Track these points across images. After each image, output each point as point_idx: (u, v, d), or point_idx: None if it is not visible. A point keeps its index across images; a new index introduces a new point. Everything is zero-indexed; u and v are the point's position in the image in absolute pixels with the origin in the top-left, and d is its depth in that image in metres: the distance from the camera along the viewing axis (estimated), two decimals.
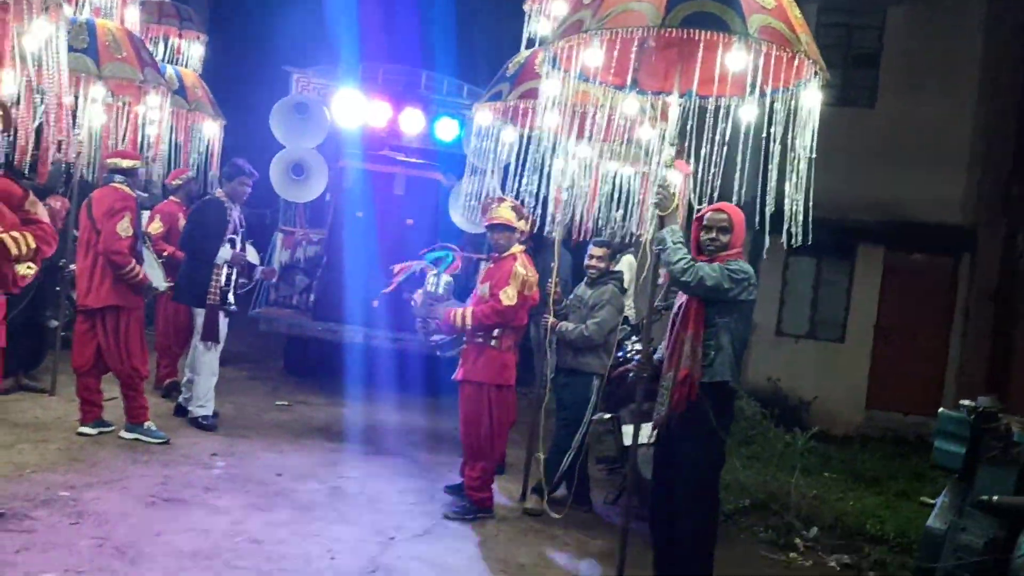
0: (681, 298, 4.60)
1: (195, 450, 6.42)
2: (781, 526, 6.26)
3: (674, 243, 4.41)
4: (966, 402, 4.45)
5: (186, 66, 9.30)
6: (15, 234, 4.33)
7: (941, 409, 4.55)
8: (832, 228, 10.94)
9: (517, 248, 5.88)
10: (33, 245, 4.39)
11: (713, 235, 4.49)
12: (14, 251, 4.30)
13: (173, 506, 5.16)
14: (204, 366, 7.09)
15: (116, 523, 4.72)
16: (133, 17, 7.52)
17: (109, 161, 6.48)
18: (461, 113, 9.79)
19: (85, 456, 5.89)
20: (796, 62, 4.17)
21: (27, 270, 4.45)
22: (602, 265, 6.23)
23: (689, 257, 4.40)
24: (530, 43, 6.66)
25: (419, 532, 5.31)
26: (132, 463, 5.86)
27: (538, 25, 6.65)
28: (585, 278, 6.33)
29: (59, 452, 5.89)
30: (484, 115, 6.40)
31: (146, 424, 6.48)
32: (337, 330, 9.06)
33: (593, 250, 6.26)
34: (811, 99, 4.34)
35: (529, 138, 5.84)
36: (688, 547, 4.51)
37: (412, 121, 9.80)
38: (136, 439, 6.36)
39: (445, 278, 6.02)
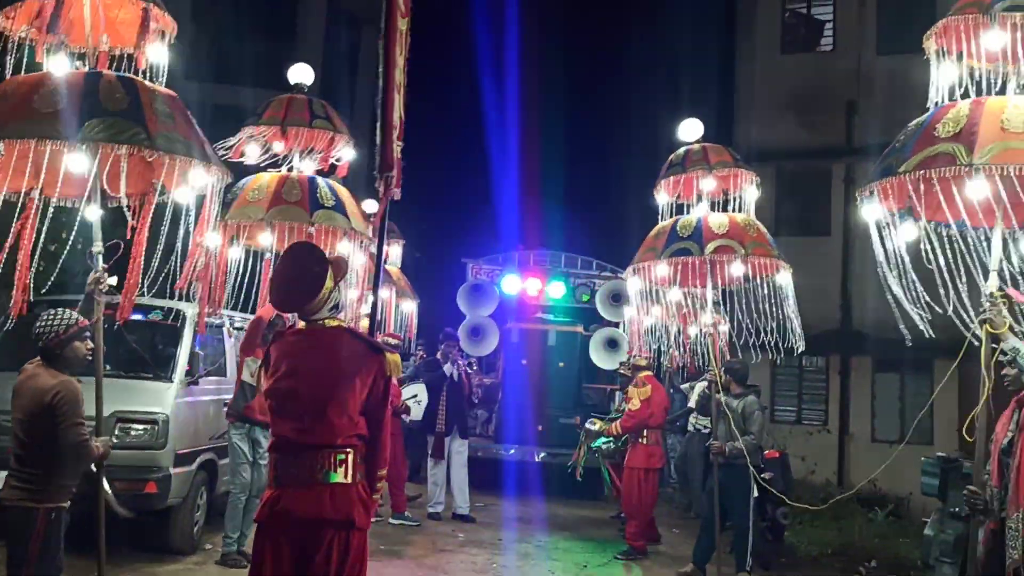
0: (1001, 428, 4.71)
1: (440, 530, 9.52)
2: (850, 562, 8.86)
3: None
4: (941, 453, 7.19)
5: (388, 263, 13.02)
6: None
7: (923, 457, 7.28)
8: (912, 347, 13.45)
9: (643, 375, 8.97)
10: None
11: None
12: None
13: (448, 553, 8.28)
14: (434, 476, 10.25)
15: (422, 559, 7.86)
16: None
17: (382, 339, 9.95)
18: (592, 281, 13.19)
19: (376, 531, 9.07)
20: None
21: None
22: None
23: None
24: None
25: (603, 563, 8.27)
26: (409, 534, 9.03)
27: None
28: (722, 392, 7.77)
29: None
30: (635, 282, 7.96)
31: (406, 512, 9.65)
32: (514, 449, 12.20)
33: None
34: None
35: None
36: None
37: (557, 290, 13.24)
38: (401, 523, 9.50)
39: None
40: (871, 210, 4.95)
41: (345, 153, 7.60)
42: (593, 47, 19.21)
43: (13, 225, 4.60)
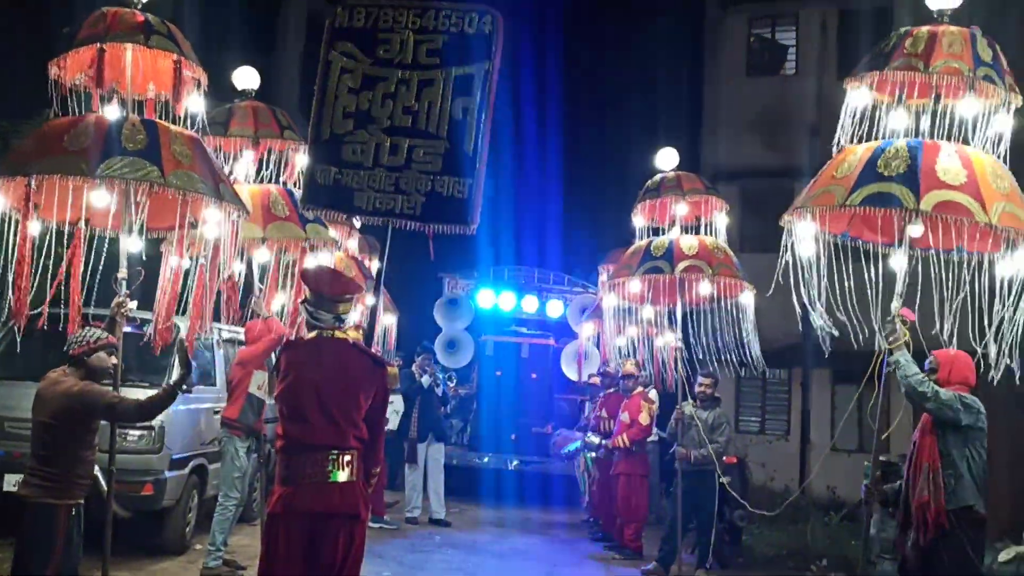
0: (915, 434, 5.27)
1: (418, 532, 10.01)
2: (803, 561, 9.45)
3: (906, 361, 5.01)
4: (882, 458, 7.79)
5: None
6: None
7: (865, 462, 7.86)
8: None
9: (640, 388, 9.49)
10: None
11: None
12: None
13: (426, 554, 8.76)
14: (411, 482, 10.73)
15: (401, 558, 8.34)
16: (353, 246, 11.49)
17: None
18: (564, 296, 13.79)
19: None
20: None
21: None
22: (709, 391, 8.50)
23: (924, 375, 5.00)
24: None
25: (573, 563, 8.82)
26: (390, 536, 9.50)
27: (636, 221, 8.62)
28: (695, 401, 8.29)
29: None
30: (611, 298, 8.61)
31: (384, 516, 10.11)
32: (488, 457, 12.74)
33: (701, 379, 8.46)
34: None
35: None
36: None
37: (530, 304, 13.81)
38: (380, 526, 9.95)
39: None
40: (803, 228, 5.47)
41: (300, 160, 7.31)
42: (564, 70, 19.83)
43: (64, 253, 5.12)
